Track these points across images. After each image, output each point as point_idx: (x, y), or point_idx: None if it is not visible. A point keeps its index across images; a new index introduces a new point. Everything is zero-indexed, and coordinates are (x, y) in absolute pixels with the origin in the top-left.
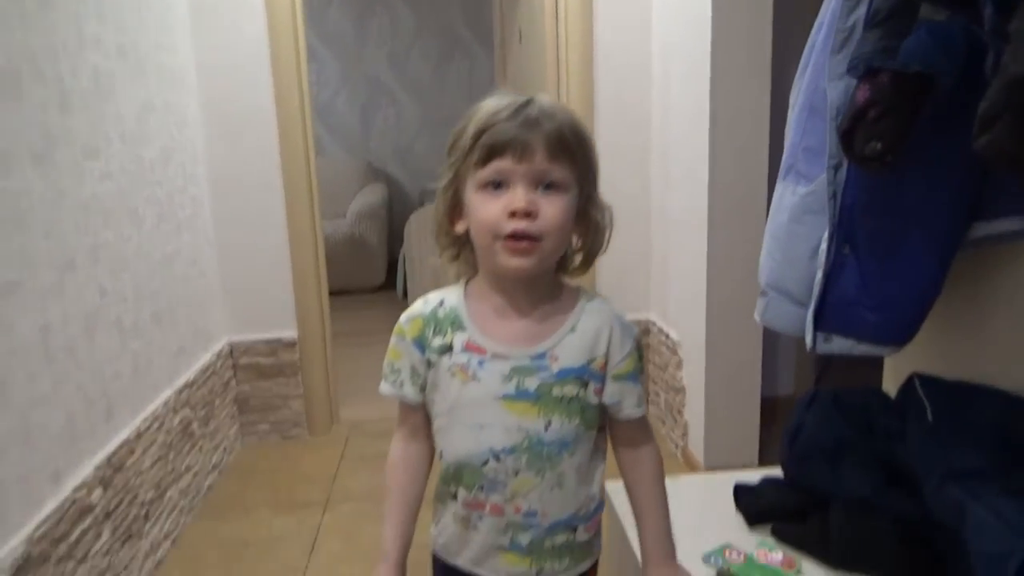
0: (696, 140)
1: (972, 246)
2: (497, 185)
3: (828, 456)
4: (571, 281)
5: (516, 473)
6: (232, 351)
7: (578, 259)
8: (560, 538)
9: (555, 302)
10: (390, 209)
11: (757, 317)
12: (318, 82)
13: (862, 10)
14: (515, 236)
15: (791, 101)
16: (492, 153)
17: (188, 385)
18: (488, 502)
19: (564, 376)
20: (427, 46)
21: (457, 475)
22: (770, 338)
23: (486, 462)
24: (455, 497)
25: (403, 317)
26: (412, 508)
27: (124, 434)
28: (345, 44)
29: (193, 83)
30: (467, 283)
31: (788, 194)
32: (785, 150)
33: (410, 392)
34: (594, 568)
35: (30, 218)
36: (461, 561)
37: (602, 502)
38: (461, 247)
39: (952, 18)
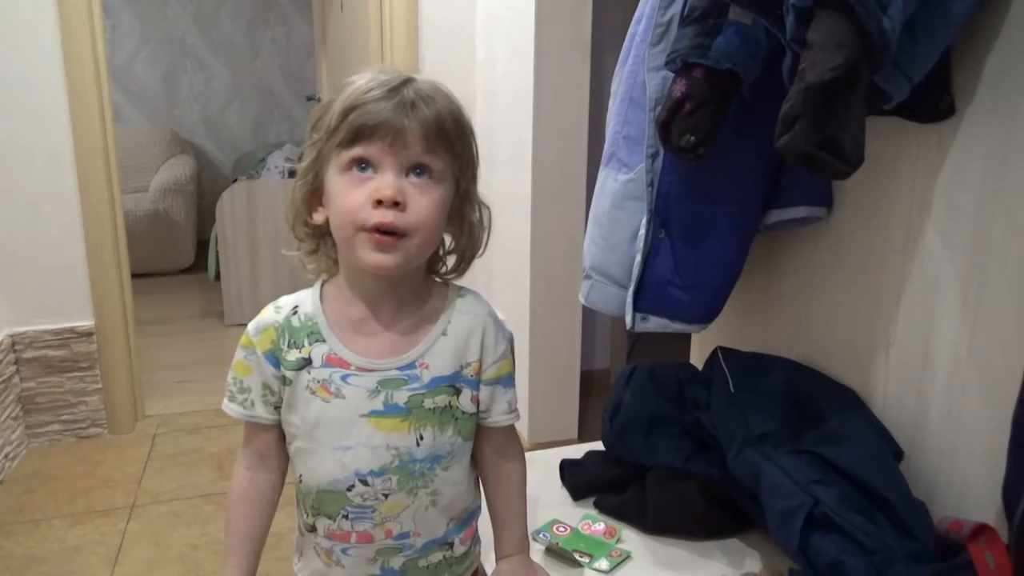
0: (520, 123)
1: (764, 231)
2: (363, 167)
3: (643, 429)
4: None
5: (386, 496)
6: (14, 344)
7: (451, 261)
8: (436, 556)
9: (424, 304)
10: (199, 184)
11: (582, 299)
12: (113, 41)
13: (677, 7)
14: (380, 229)
15: (612, 89)
16: (360, 136)
17: None
18: (354, 531)
19: (436, 385)
20: (238, 7)
21: (318, 504)
22: (588, 314)
23: (351, 487)
24: (314, 529)
25: (251, 327)
26: (257, 546)
27: None
28: (144, 0)
29: None
30: (323, 285)
31: (610, 180)
32: (607, 138)
33: (263, 412)
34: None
35: None
36: None
37: (478, 507)
38: (320, 240)
39: (756, 21)
